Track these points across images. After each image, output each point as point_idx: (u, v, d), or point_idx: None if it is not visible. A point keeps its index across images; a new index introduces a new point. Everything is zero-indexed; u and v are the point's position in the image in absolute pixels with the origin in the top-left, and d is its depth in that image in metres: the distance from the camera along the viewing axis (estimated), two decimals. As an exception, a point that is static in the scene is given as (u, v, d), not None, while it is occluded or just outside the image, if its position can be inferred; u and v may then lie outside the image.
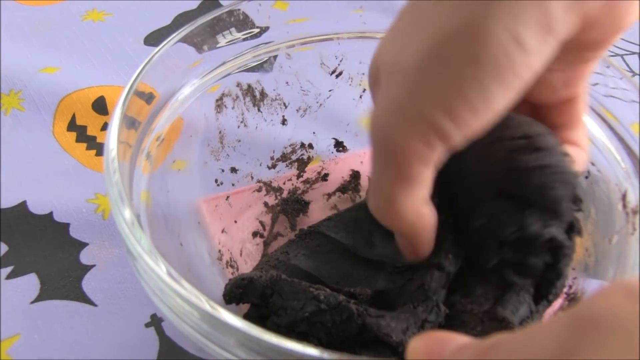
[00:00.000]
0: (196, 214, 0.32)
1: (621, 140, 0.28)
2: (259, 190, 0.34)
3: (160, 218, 0.28)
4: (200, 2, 0.49)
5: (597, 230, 0.28)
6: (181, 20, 0.47)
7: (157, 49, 0.28)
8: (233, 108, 0.33)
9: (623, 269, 0.24)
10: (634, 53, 0.46)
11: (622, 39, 0.46)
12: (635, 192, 0.26)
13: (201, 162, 0.33)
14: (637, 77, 0.44)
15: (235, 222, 0.33)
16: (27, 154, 0.38)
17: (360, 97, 0.36)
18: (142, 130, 0.27)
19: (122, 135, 0.25)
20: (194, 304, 0.20)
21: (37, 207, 0.35)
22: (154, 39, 0.45)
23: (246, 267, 0.31)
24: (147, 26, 0.47)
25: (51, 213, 0.34)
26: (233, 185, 0.34)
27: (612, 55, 0.45)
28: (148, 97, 0.28)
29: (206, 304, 0.20)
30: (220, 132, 0.33)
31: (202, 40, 0.30)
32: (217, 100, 0.32)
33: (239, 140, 0.34)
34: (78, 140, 0.38)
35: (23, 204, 0.35)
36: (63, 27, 0.46)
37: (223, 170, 0.34)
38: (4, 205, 0.35)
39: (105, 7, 0.48)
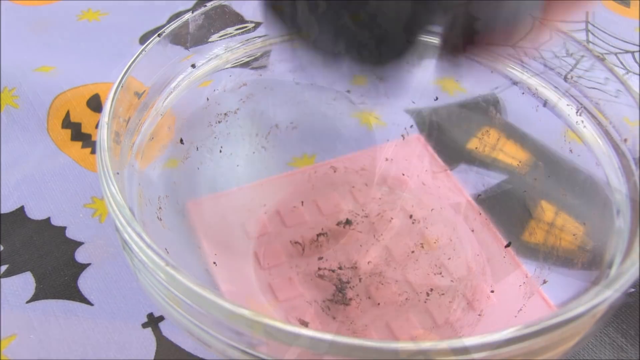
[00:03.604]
0: (186, 214, 0.32)
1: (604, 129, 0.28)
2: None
3: (154, 217, 0.28)
4: (195, 1, 0.49)
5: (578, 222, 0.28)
6: (176, 20, 0.47)
7: (147, 43, 0.28)
8: (225, 104, 0.33)
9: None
10: (628, 52, 0.46)
11: (617, 38, 0.47)
12: (618, 176, 0.27)
13: (192, 161, 0.33)
14: (634, 75, 0.44)
15: (227, 223, 0.33)
16: (23, 153, 0.38)
17: (349, 91, 0.36)
18: (133, 127, 0.27)
19: (113, 133, 0.25)
20: (198, 293, 0.20)
21: (35, 213, 0.35)
22: (150, 38, 0.45)
23: (236, 265, 0.31)
24: (143, 26, 0.47)
25: (49, 219, 0.34)
26: (224, 186, 0.34)
27: (606, 53, 0.45)
28: (138, 93, 0.28)
29: (209, 292, 0.20)
30: (211, 130, 0.33)
31: (194, 34, 0.30)
32: (207, 99, 0.32)
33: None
34: (73, 138, 0.38)
35: (21, 210, 0.35)
36: (58, 26, 0.46)
37: (214, 170, 0.34)
38: (2, 211, 0.35)
39: (100, 7, 0.48)
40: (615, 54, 0.45)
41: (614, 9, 0.50)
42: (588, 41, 0.46)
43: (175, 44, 0.30)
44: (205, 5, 0.31)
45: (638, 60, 0.45)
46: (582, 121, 0.29)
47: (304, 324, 0.29)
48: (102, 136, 0.24)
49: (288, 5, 0.23)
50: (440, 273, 0.31)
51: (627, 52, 0.46)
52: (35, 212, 0.35)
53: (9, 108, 0.40)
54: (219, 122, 0.34)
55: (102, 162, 0.23)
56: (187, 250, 0.31)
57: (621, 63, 0.45)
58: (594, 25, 0.47)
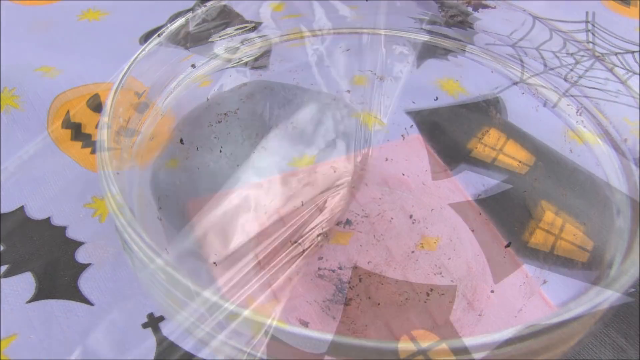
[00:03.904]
0: (186, 214, 0.32)
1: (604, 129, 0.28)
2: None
3: (154, 217, 0.28)
4: (195, 1, 0.49)
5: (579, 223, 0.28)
6: (177, 20, 0.47)
7: (147, 43, 0.28)
8: (225, 104, 0.33)
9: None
10: (629, 52, 0.46)
11: (618, 38, 0.47)
12: (617, 175, 0.27)
13: (192, 161, 0.33)
14: (634, 75, 0.44)
15: (227, 223, 0.33)
16: (23, 153, 0.38)
17: (349, 91, 0.36)
18: (133, 127, 0.27)
19: (113, 133, 0.25)
20: (198, 293, 0.20)
21: (35, 213, 0.35)
22: (150, 38, 0.45)
23: (236, 265, 0.31)
24: (143, 26, 0.47)
25: (49, 218, 0.34)
26: (224, 186, 0.34)
27: (606, 53, 0.45)
28: (138, 93, 0.28)
29: (209, 292, 0.20)
30: (211, 130, 0.33)
31: (194, 34, 0.30)
32: (207, 99, 0.32)
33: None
34: (73, 138, 0.38)
35: (21, 209, 0.35)
36: (59, 26, 0.46)
37: (214, 170, 0.34)
38: (2, 211, 0.35)
39: (100, 7, 0.48)
40: (616, 54, 0.45)
41: (614, 9, 0.50)
42: (588, 41, 0.46)
43: (175, 44, 0.30)
44: (205, 5, 0.31)
45: (638, 60, 0.45)
46: (582, 121, 0.29)
47: (304, 324, 0.29)
48: (102, 136, 0.24)
49: None
50: (440, 273, 0.31)
51: (627, 52, 0.46)
52: (35, 212, 0.35)
53: (9, 108, 0.40)
54: (219, 122, 0.34)
55: (102, 162, 0.23)
56: (187, 250, 0.31)
57: (622, 63, 0.45)
58: (594, 25, 0.47)
